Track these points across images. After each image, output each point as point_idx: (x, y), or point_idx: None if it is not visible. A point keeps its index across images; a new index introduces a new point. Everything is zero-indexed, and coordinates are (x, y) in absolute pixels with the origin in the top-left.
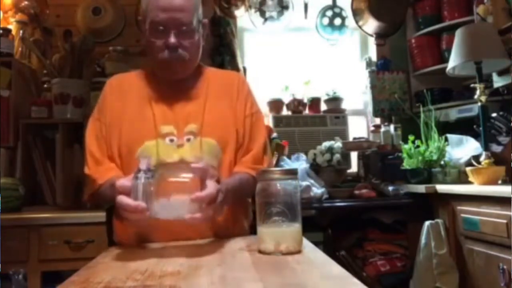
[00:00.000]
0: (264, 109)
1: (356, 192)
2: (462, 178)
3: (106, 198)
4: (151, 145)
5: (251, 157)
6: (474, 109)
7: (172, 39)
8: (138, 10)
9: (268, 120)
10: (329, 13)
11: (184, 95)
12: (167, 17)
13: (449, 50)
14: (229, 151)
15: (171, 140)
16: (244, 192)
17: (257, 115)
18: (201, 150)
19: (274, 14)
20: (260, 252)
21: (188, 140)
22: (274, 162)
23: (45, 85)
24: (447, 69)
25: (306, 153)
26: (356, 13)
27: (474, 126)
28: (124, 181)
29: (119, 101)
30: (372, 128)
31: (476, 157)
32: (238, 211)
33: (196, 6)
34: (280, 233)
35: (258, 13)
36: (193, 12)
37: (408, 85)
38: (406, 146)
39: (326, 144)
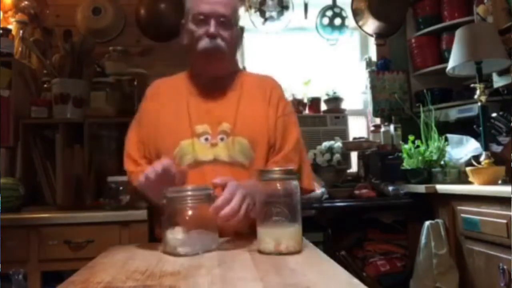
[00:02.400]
0: None
1: (356, 192)
2: (462, 178)
3: (144, 197)
4: (187, 144)
5: (281, 157)
6: (474, 109)
7: (212, 28)
8: (139, 10)
9: None
10: (329, 13)
11: (219, 94)
12: (209, 7)
13: (449, 50)
14: (260, 150)
15: (206, 139)
16: None
17: (289, 117)
18: (234, 149)
19: (274, 14)
20: (260, 252)
21: (222, 139)
22: None
23: (45, 85)
24: (447, 69)
25: None
26: (356, 13)
27: (474, 126)
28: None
29: (156, 104)
30: (372, 128)
31: (476, 157)
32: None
33: (236, 7)
34: (280, 233)
35: (258, 13)
36: (233, 9)
37: (408, 85)
38: (406, 146)
39: (326, 144)
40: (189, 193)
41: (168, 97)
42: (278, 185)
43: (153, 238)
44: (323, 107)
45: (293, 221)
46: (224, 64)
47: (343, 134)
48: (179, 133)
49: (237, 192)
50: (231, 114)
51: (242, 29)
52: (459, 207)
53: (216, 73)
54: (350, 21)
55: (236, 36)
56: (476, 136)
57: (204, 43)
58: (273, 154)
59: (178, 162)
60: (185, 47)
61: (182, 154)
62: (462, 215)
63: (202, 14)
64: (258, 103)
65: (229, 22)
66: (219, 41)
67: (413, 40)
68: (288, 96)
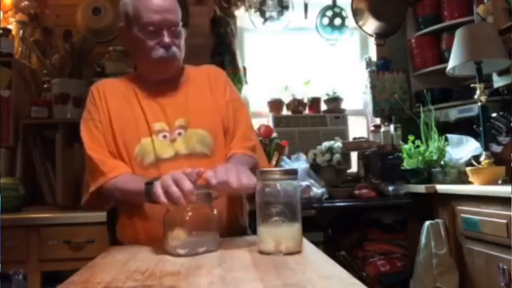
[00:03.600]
0: (265, 109)
1: (356, 192)
2: (462, 178)
3: (116, 192)
4: (147, 142)
5: (240, 138)
6: (474, 109)
7: (167, 38)
8: None
9: (268, 120)
10: (329, 13)
11: (169, 92)
12: (160, 17)
13: (449, 50)
14: (219, 137)
15: (164, 136)
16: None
17: (238, 101)
18: (192, 141)
19: (274, 14)
20: (260, 252)
21: (179, 134)
22: (274, 162)
23: (45, 85)
24: (447, 69)
25: (306, 153)
26: (356, 13)
27: (474, 126)
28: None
29: (107, 102)
30: (372, 128)
31: (476, 157)
32: (232, 207)
33: (179, 9)
34: (280, 233)
35: (258, 13)
36: (179, 13)
37: (408, 85)
38: (406, 146)
39: (326, 144)
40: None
41: (118, 96)
42: (278, 185)
43: (115, 241)
44: (323, 107)
45: (293, 221)
46: (177, 68)
47: (343, 134)
48: (137, 132)
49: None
50: (184, 108)
51: (183, 25)
52: (459, 207)
53: (168, 76)
54: (350, 21)
55: (183, 40)
56: (476, 136)
57: (159, 53)
58: (229, 138)
59: (140, 161)
60: (129, 51)
61: (144, 153)
62: (462, 215)
63: (153, 24)
64: (206, 92)
65: (179, 29)
66: (174, 49)
67: (413, 40)
68: (288, 96)
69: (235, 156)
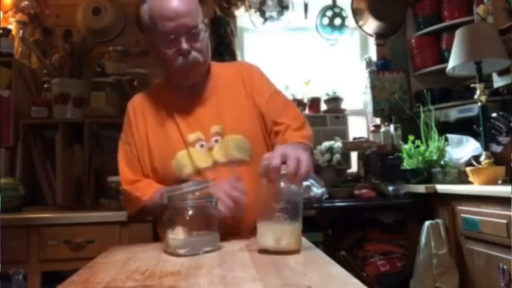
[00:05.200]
0: None
1: (356, 192)
2: (462, 178)
3: (155, 211)
4: (183, 155)
5: (294, 129)
6: (474, 109)
7: (184, 45)
8: (138, 10)
9: None
10: (329, 13)
11: (199, 98)
12: (175, 24)
13: (449, 50)
14: (258, 141)
15: (201, 146)
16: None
17: (277, 94)
18: (229, 147)
19: (274, 14)
20: (259, 248)
21: (216, 141)
22: None
23: (45, 85)
24: (447, 69)
25: None
26: (356, 13)
27: (474, 126)
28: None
29: (142, 121)
30: (372, 128)
31: (476, 157)
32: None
33: (197, 7)
34: (281, 230)
35: (258, 13)
36: (197, 14)
37: (408, 85)
38: (406, 146)
39: (326, 144)
40: (190, 193)
41: (152, 112)
42: (282, 183)
43: (158, 238)
44: (323, 107)
45: (294, 220)
46: (202, 72)
47: (343, 134)
48: (172, 146)
49: (298, 158)
50: (218, 114)
51: (206, 24)
52: (459, 207)
53: (195, 80)
54: (350, 21)
55: (207, 37)
56: (476, 136)
57: (180, 61)
58: (282, 130)
59: (178, 175)
60: (156, 61)
61: (181, 166)
62: (462, 215)
63: (169, 33)
64: (241, 95)
65: (198, 31)
66: (194, 55)
67: (413, 40)
68: (288, 96)
69: (290, 142)
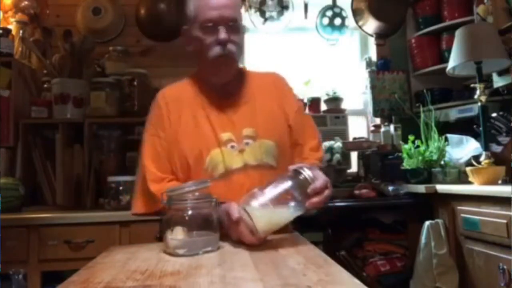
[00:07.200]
0: None
1: (356, 192)
2: (462, 178)
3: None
4: (216, 153)
5: (313, 149)
6: (474, 109)
7: (223, 34)
8: (139, 10)
9: None
10: (329, 13)
11: (234, 99)
12: (217, 13)
13: (449, 50)
14: (285, 148)
15: (232, 147)
16: None
17: (302, 110)
18: (260, 151)
19: (274, 14)
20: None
21: (247, 144)
22: None
23: (45, 85)
24: (447, 69)
25: None
26: (356, 13)
27: (474, 126)
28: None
29: (174, 113)
30: (372, 128)
31: (476, 157)
32: None
33: (240, 4)
34: (278, 214)
35: (258, 13)
36: (238, 9)
37: (408, 85)
38: (406, 146)
39: (326, 144)
40: (189, 193)
41: (184, 105)
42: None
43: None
44: (323, 107)
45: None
46: (234, 68)
47: (343, 134)
48: (206, 143)
49: (328, 185)
50: (252, 118)
51: (244, 27)
52: (459, 207)
53: (227, 77)
54: (350, 21)
55: (243, 36)
56: (476, 136)
57: (215, 50)
58: (299, 148)
59: (210, 172)
60: (193, 53)
61: (214, 165)
62: (462, 215)
63: (210, 21)
64: (274, 102)
65: (237, 25)
66: (230, 47)
67: (413, 40)
68: None
69: (310, 163)
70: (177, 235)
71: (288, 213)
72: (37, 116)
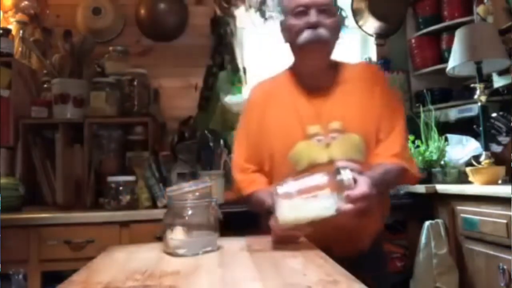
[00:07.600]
0: None
1: None
2: (462, 178)
3: (252, 207)
4: (302, 146)
5: (386, 148)
6: (474, 109)
7: (313, 18)
8: (139, 10)
9: None
10: None
11: (324, 91)
12: None
13: (449, 50)
14: (372, 144)
15: (319, 140)
16: (390, 183)
17: (393, 102)
18: (347, 146)
19: (274, 14)
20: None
21: (334, 138)
22: None
23: (45, 85)
24: (447, 69)
25: None
26: (356, 13)
27: (474, 126)
28: None
29: (264, 108)
30: None
31: (476, 157)
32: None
33: None
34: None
35: (258, 13)
36: None
37: (408, 85)
38: None
39: None
40: (189, 193)
41: (274, 99)
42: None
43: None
44: None
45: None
46: (326, 55)
47: None
48: (292, 135)
49: (372, 193)
50: (340, 111)
51: (343, 17)
52: (459, 207)
53: (319, 65)
54: (350, 21)
55: (337, 22)
56: (476, 136)
57: (305, 34)
58: (384, 143)
59: (294, 165)
60: (288, 44)
61: (298, 158)
62: (462, 215)
63: (301, 5)
64: (364, 95)
65: (331, 9)
66: (321, 31)
67: (413, 40)
68: None
69: (383, 165)
70: (177, 235)
71: (315, 208)
72: (37, 116)
